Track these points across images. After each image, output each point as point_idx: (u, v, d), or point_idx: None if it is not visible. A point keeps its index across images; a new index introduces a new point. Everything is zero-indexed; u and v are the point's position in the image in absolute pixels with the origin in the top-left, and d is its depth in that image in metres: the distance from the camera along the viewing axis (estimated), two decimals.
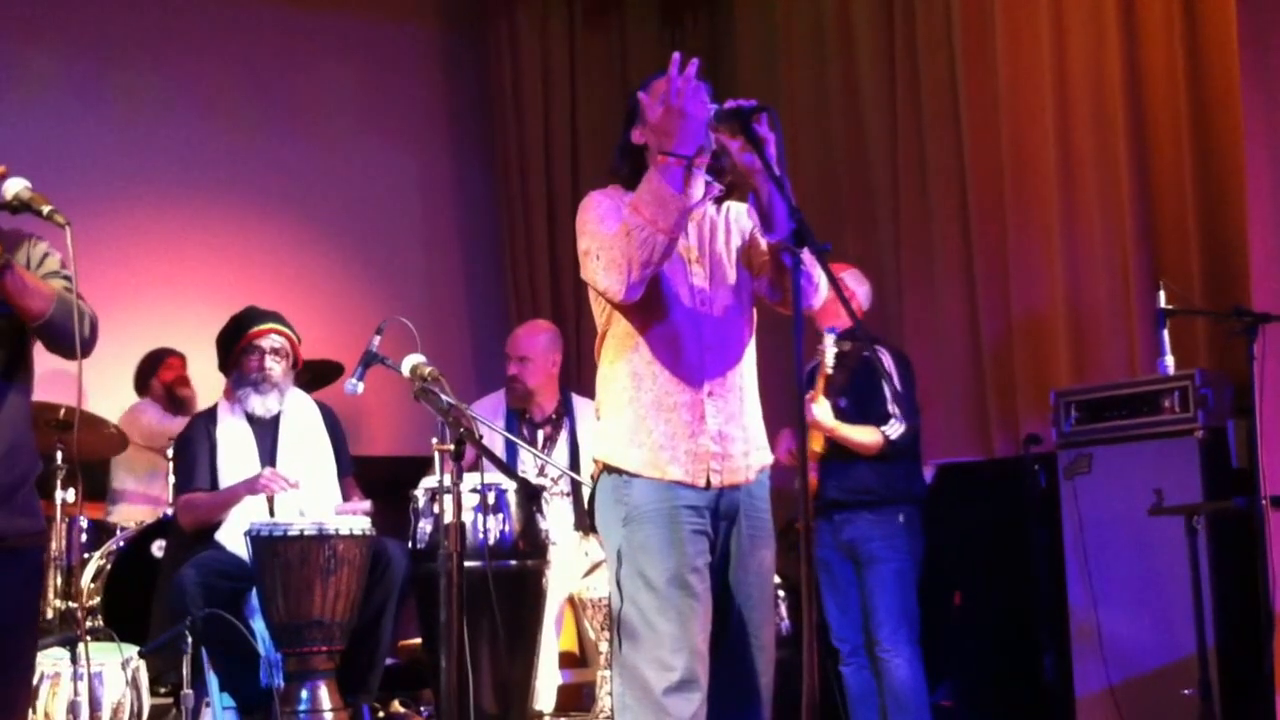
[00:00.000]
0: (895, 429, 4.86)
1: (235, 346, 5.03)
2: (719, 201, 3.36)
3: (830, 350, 4.70)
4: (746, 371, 3.32)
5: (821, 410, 4.73)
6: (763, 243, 3.25)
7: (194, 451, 4.99)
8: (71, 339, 2.98)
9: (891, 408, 4.87)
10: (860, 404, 4.89)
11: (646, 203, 3.08)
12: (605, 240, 3.13)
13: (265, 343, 5.02)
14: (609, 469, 3.24)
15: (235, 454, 4.98)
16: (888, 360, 4.91)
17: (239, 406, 5.05)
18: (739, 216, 3.36)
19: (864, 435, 4.83)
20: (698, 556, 3.17)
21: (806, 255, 3.04)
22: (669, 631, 3.10)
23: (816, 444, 4.78)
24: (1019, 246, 6.11)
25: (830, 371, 4.71)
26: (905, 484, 4.93)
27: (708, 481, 3.19)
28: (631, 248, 3.06)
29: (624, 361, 3.26)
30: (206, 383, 6.20)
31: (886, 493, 4.88)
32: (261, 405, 5.02)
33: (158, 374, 6.68)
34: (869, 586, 4.88)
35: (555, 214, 7.70)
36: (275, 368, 5.03)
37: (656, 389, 3.21)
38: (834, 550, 4.94)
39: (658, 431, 3.18)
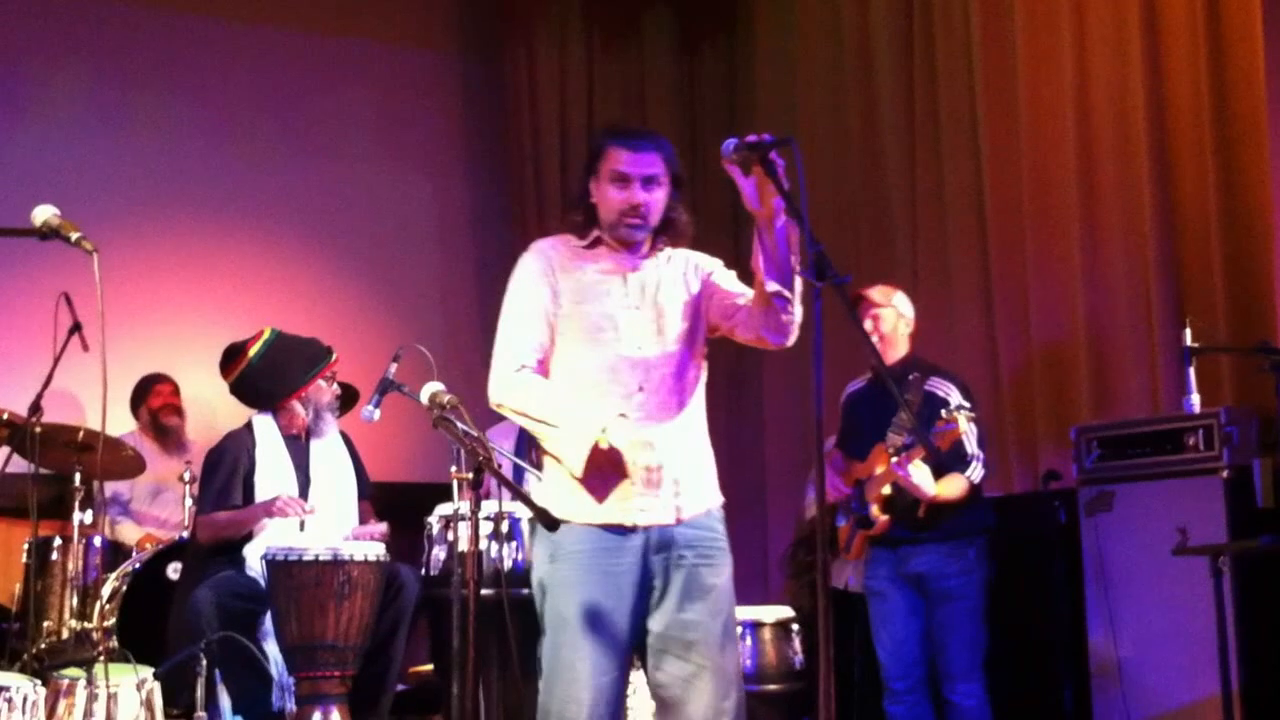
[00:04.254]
0: (979, 472, 4.72)
1: (315, 377, 5.12)
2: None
3: (963, 416, 4.48)
4: (687, 417, 3.33)
5: (921, 476, 4.56)
6: (735, 290, 3.32)
7: (231, 467, 5.02)
8: None
9: (973, 449, 4.70)
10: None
11: (553, 431, 3.20)
12: (503, 357, 3.35)
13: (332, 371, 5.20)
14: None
15: (274, 471, 5.03)
16: (956, 394, 4.72)
17: (277, 426, 5.10)
18: (700, 262, 3.41)
19: (955, 489, 4.68)
20: (616, 594, 3.20)
21: (796, 293, 3.15)
22: (582, 667, 3.15)
23: (884, 488, 4.66)
24: (1039, 278, 6.05)
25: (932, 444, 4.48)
26: (977, 517, 4.80)
27: (635, 524, 3.22)
28: (516, 397, 3.27)
29: None
30: (214, 404, 6.15)
31: (958, 528, 4.75)
32: (332, 427, 5.17)
33: (145, 400, 6.45)
34: (941, 623, 4.75)
35: None
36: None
37: None
38: (892, 581, 4.80)
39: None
